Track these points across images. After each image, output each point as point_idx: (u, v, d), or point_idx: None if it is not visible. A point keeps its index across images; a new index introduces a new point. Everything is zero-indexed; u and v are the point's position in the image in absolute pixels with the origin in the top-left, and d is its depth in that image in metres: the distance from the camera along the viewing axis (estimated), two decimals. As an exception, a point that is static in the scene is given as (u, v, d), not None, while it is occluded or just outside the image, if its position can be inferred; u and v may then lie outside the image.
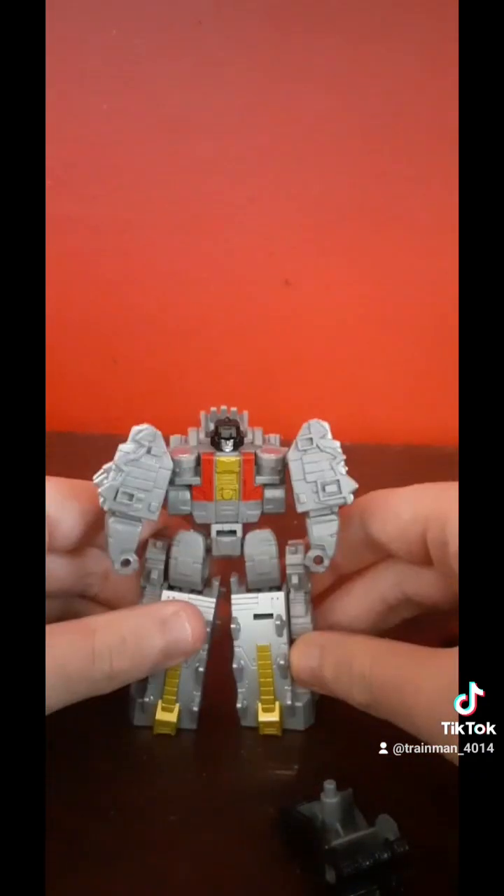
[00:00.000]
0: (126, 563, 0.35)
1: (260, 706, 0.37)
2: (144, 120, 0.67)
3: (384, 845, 0.29)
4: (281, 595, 0.37)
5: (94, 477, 0.35)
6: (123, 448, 0.34)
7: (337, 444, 0.35)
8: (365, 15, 0.63)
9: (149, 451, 0.34)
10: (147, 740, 0.37)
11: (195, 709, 0.37)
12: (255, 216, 0.68)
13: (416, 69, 0.63)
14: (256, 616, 0.37)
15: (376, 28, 0.63)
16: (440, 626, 0.38)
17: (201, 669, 0.37)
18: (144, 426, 0.35)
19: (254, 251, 0.68)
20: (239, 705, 0.37)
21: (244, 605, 0.37)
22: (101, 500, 0.34)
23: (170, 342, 0.70)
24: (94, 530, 0.37)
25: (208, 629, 0.36)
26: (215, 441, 0.35)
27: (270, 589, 0.37)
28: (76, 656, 0.32)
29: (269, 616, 0.37)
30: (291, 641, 0.37)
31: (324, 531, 0.35)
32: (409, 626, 0.39)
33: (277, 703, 0.37)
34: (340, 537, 0.36)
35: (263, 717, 0.37)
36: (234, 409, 0.37)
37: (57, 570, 0.37)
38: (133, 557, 0.35)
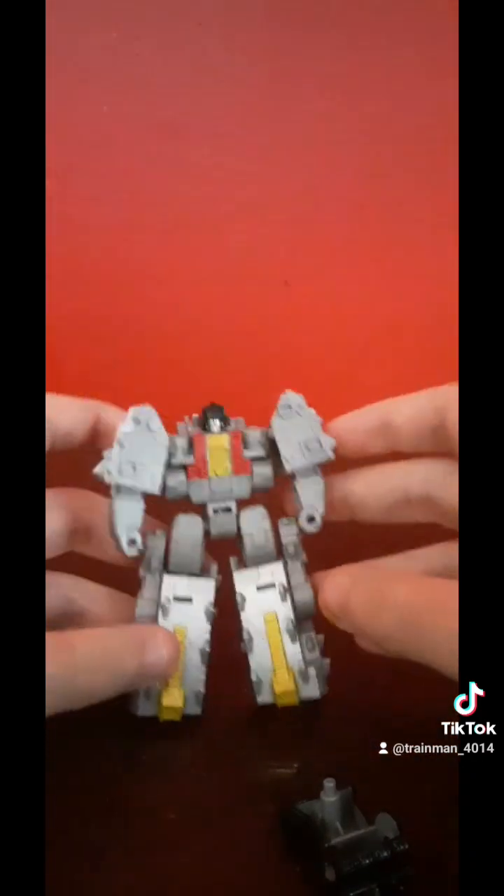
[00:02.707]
0: (132, 542, 0.37)
1: (274, 677, 0.37)
2: (144, 121, 0.67)
3: (384, 843, 0.29)
4: (279, 565, 0.38)
5: (95, 469, 0.37)
6: (123, 428, 0.37)
7: (312, 410, 0.38)
8: (365, 15, 0.63)
9: (147, 428, 0.37)
10: (148, 738, 0.37)
11: (201, 690, 0.37)
12: (255, 217, 0.68)
13: (416, 70, 0.64)
14: (259, 588, 0.38)
15: (376, 29, 0.63)
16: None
17: (207, 650, 0.37)
18: (142, 405, 0.37)
19: (254, 251, 0.68)
20: (253, 678, 0.37)
21: (246, 579, 0.38)
22: (108, 474, 0.36)
23: (169, 343, 0.70)
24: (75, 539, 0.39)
25: (212, 609, 0.37)
26: (203, 424, 0.38)
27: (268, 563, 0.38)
28: (56, 671, 0.31)
29: (272, 586, 0.38)
30: (295, 608, 0.37)
31: (312, 490, 0.38)
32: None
33: (291, 673, 0.37)
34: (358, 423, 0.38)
35: (280, 686, 0.37)
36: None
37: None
38: (138, 537, 0.37)
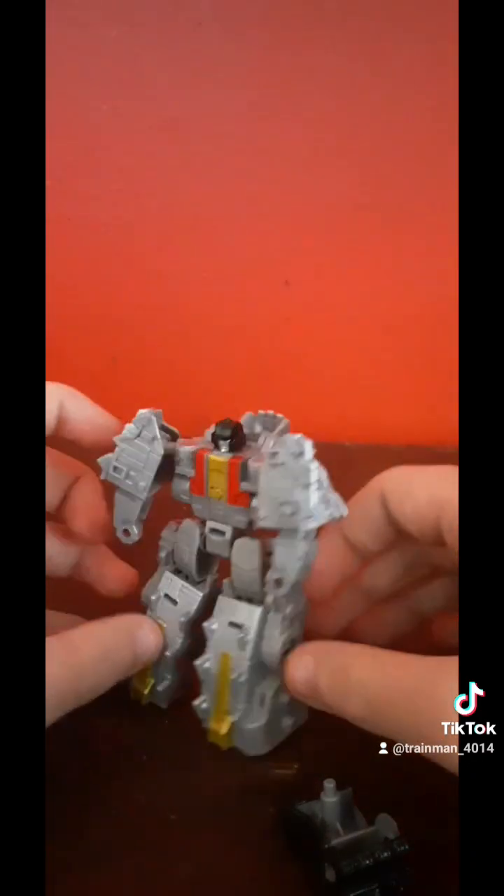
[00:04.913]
0: (126, 532, 0.38)
1: (213, 714, 0.36)
2: (144, 120, 0.67)
3: (384, 844, 0.29)
4: (259, 610, 0.35)
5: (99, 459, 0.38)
6: (125, 431, 0.37)
7: (312, 465, 0.32)
8: (365, 16, 0.63)
9: (144, 435, 0.36)
10: (149, 738, 0.37)
11: (160, 689, 0.38)
12: (255, 216, 0.68)
13: (416, 70, 0.63)
14: (231, 624, 0.35)
15: (376, 29, 0.63)
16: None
17: (177, 658, 0.38)
18: (144, 410, 0.36)
19: (254, 251, 0.68)
20: (195, 702, 0.36)
21: (225, 609, 0.36)
22: (103, 472, 0.37)
23: (170, 342, 0.70)
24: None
25: (185, 620, 0.37)
26: (215, 439, 0.36)
27: (253, 601, 0.35)
28: (67, 675, 0.33)
29: (241, 627, 0.35)
30: (256, 660, 0.35)
31: (287, 554, 0.33)
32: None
33: (228, 718, 0.35)
34: (361, 514, 0.35)
35: (213, 724, 0.36)
36: (270, 412, 0.37)
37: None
38: (133, 529, 0.37)
